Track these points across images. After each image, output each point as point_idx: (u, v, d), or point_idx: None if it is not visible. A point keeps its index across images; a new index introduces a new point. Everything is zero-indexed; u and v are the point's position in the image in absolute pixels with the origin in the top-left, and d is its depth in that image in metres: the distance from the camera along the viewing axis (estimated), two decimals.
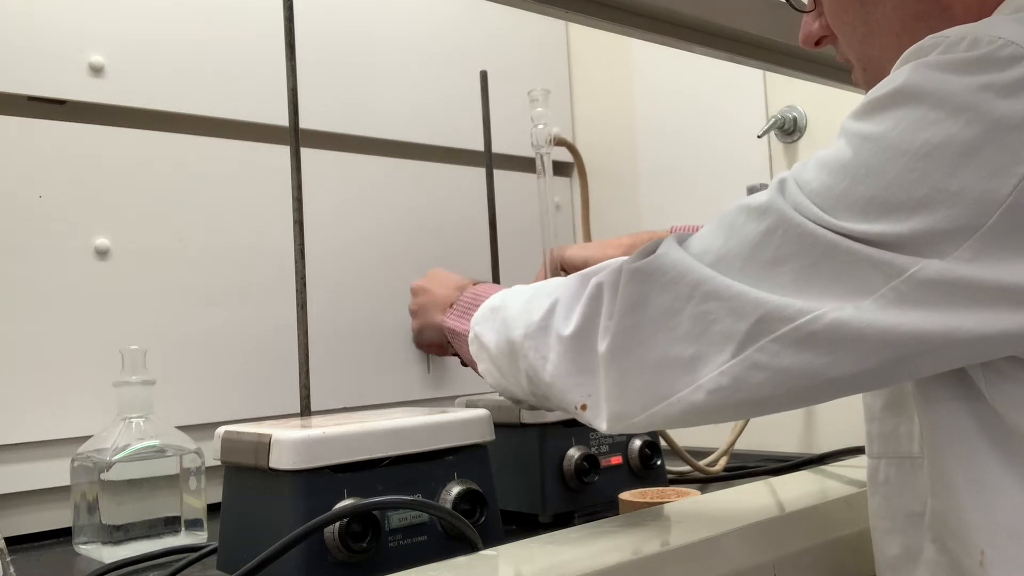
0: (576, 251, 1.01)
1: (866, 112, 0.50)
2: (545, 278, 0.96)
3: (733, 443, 1.10)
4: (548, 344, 0.63)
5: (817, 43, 0.68)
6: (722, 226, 0.55)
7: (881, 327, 0.47)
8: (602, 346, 0.58)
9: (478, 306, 0.75)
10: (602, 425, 0.59)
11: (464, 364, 0.80)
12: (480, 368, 0.74)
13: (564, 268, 0.99)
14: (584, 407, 0.61)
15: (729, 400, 0.52)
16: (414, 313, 0.93)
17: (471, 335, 0.73)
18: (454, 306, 0.81)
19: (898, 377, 0.52)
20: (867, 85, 0.64)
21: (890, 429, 0.60)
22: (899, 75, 0.49)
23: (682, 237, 0.57)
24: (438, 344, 0.87)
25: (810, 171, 0.52)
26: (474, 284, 0.83)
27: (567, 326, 0.61)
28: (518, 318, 0.67)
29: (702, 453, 1.13)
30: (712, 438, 1.11)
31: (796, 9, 0.69)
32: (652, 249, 0.57)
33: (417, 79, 1.31)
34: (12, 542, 0.90)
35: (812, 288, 0.49)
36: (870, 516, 0.62)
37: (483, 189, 1.04)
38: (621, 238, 1.01)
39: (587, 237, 1.30)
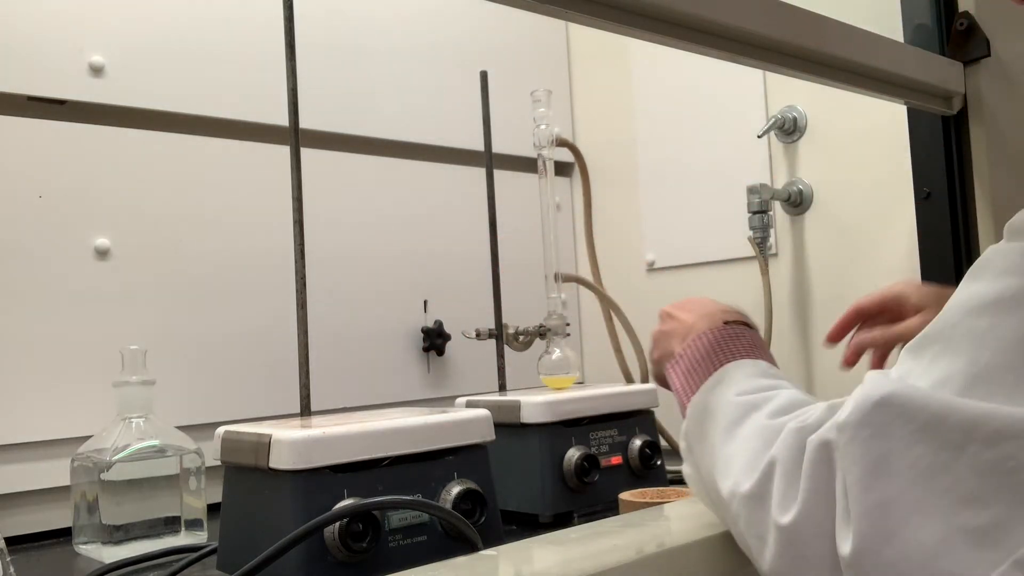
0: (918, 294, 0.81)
1: None
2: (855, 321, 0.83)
3: None
4: (765, 525, 0.48)
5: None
6: (952, 341, 0.42)
7: None
8: (844, 547, 0.42)
9: (704, 375, 0.60)
10: None
11: None
12: (684, 470, 0.62)
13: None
14: None
15: None
16: (655, 343, 0.72)
17: (683, 428, 0.61)
18: (683, 352, 0.64)
19: None
20: None
21: None
22: None
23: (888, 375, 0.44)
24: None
25: None
26: (724, 324, 0.64)
27: (786, 513, 0.46)
28: (728, 462, 0.53)
29: None
30: None
31: None
32: (867, 395, 0.43)
33: (417, 79, 1.31)
34: (12, 542, 0.90)
35: None
36: None
37: (483, 189, 1.04)
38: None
39: (589, 238, 1.30)
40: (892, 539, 0.40)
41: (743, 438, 0.53)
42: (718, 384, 0.59)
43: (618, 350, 1.24)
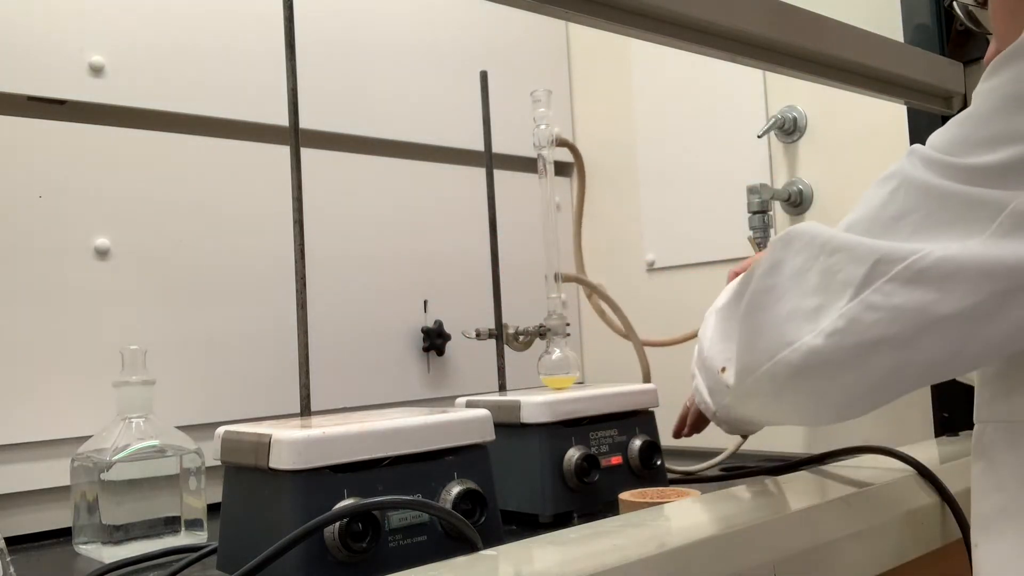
0: None
1: (991, 72, 0.56)
2: None
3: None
4: (708, 322, 0.74)
5: None
6: (860, 200, 0.60)
7: (985, 259, 0.51)
8: (742, 308, 0.63)
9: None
10: (731, 379, 0.64)
11: None
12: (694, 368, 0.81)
13: None
14: (724, 369, 0.68)
15: (844, 343, 0.55)
16: None
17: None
18: None
19: (1008, 314, 0.53)
20: None
21: (1002, 395, 0.60)
22: (1019, 40, 0.55)
23: None
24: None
25: (940, 132, 0.57)
26: None
27: (721, 301, 0.70)
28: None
29: (706, 454, 1.13)
30: (718, 439, 1.10)
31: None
32: (789, 227, 0.64)
33: (417, 79, 1.31)
34: (12, 542, 0.90)
35: (927, 234, 0.54)
36: (972, 480, 0.62)
37: (483, 189, 1.04)
38: None
39: (577, 239, 1.29)
40: (764, 309, 0.61)
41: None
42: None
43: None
